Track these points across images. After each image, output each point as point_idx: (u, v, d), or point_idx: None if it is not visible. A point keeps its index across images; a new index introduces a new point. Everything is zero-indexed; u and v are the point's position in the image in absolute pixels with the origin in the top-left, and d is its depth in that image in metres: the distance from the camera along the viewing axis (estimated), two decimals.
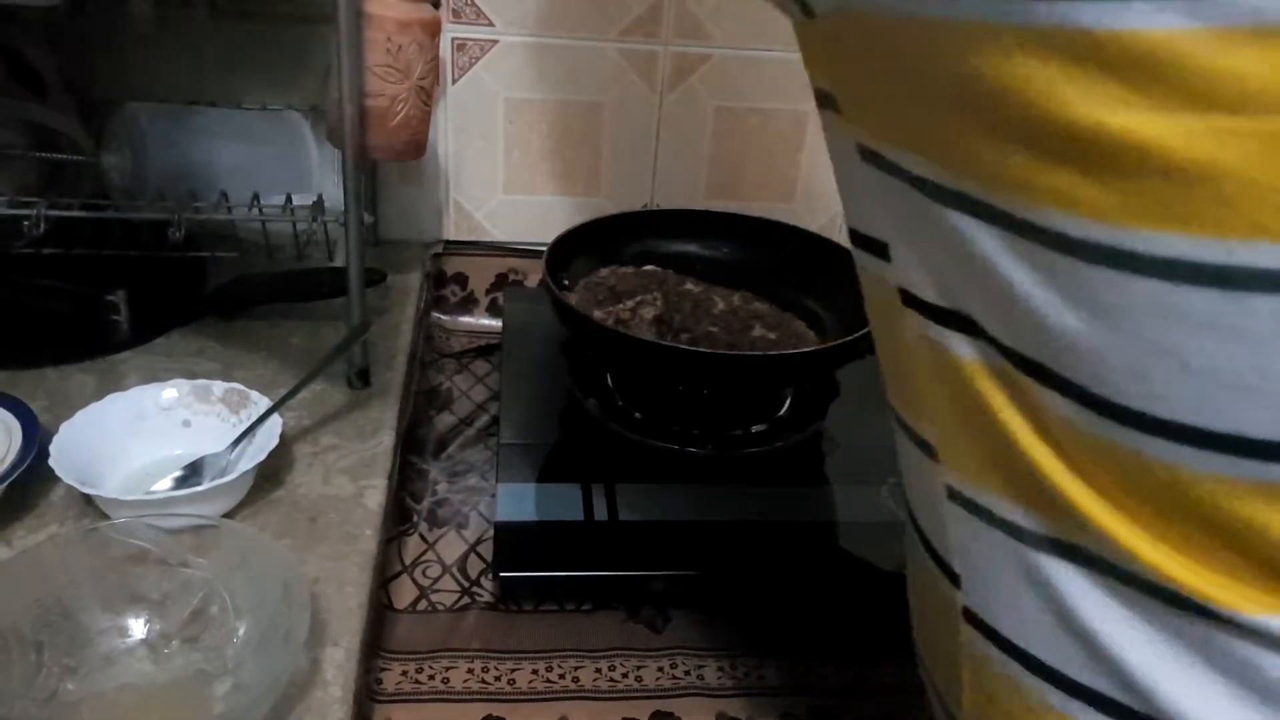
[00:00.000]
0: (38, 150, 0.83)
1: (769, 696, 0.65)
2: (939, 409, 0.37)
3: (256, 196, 0.80)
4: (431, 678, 0.64)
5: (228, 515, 0.65)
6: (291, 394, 0.70)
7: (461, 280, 1.08)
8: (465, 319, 1.08)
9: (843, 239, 1.03)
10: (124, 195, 0.82)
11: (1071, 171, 0.28)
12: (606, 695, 0.64)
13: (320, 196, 0.80)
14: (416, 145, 0.81)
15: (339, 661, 0.56)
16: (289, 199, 0.81)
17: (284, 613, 0.54)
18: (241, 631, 0.55)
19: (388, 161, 1.00)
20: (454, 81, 0.99)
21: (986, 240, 0.31)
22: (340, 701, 0.54)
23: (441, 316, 1.08)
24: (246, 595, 0.56)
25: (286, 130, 0.93)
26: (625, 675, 0.66)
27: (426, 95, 0.79)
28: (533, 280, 1.09)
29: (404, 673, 0.64)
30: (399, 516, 0.77)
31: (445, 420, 0.90)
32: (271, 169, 0.90)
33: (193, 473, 0.66)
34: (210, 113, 0.91)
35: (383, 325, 0.90)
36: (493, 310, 1.09)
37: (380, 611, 0.68)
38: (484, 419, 0.90)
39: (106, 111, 0.88)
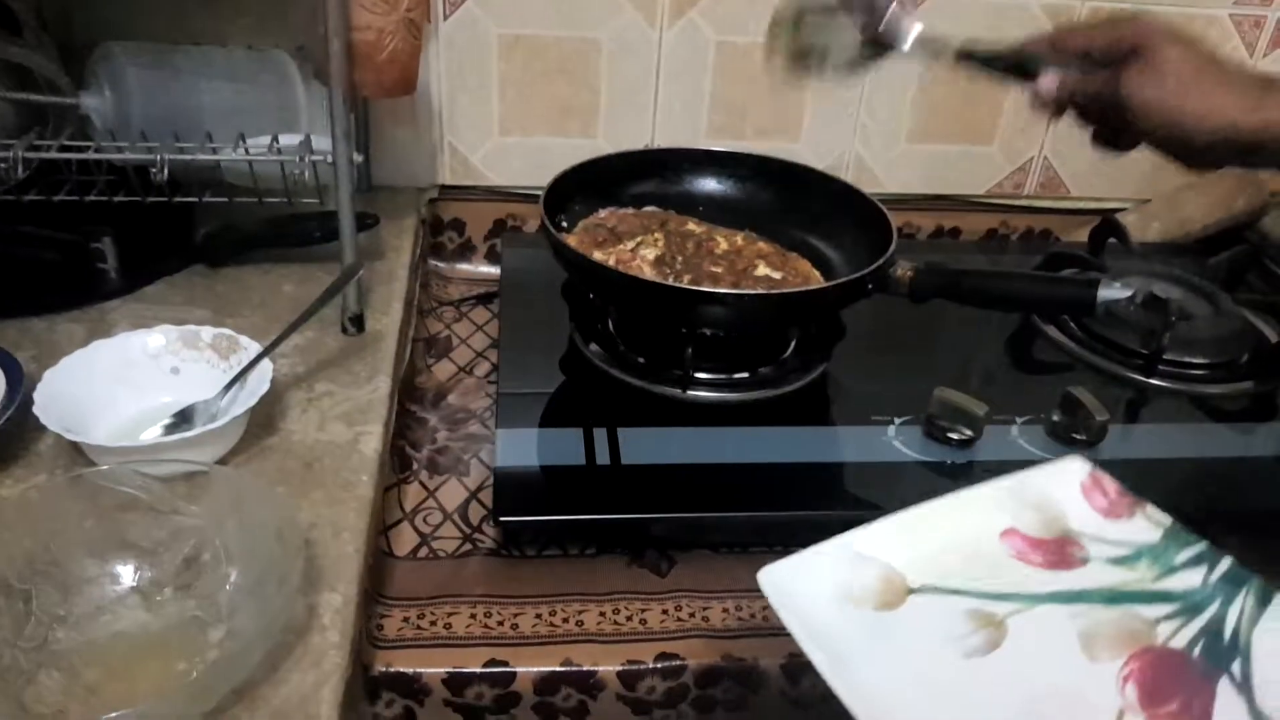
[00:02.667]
0: (15, 92, 0.80)
1: (773, 637, 0.63)
2: None
3: (242, 136, 0.77)
4: (433, 623, 0.63)
5: (221, 463, 0.64)
6: (282, 338, 0.68)
7: (459, 226, 1.06)
8: (463, 266, 1.06)
9: (849, 177, 1.00)
10: (106, 138, 0.79)
11: None
12: (610, 638, 0.63)
13: (308, 136, 0.78)
14: (406, 81, 0.78)
15: (336, 607, 0.55)
16: (275, 139, 0.78)
17: (278, 558, 0.52)
18: (234, 578, 0.54)
19: (378, 101, 0.97)
20: (445, 18, 0.95)
21: None
22: (338, 647, 0.53)
23: (439, 264, 1.06)
24: (239, 541, 0.55)
25: (273, 71, 0.89)
26: (629, 618, 0.64)
27: (415, 29, 0.77)
28: (532, 226, 1.06)
29: (405, 619, 0.63)
30: (399, 465, 0.76)
31: (445, 368, 0.88)
32: (258, 111, 0.87)
33: (183, 420, 0.65)
34: (194, 52, 0.88)
35: (378, 271, 0.88)
36: (491, 257, 1.06)
37: (381, 559, 0.67)
38: (484, 366, 0.88)
39: (86, 52, 0.85)
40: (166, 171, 0.74)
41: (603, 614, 0.65)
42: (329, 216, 0.76)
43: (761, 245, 0.88)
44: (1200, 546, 0.56)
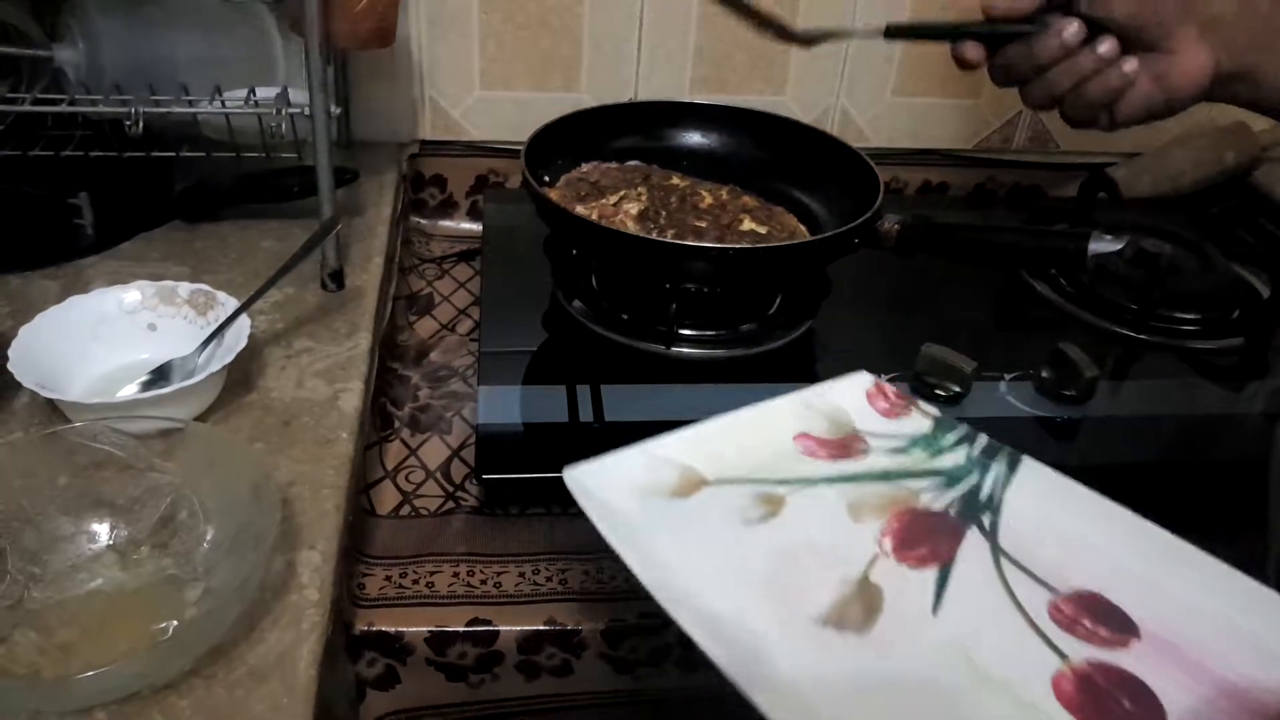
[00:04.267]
0: None
1: None
2: None
3: (218, 89, 0.76)
4: (415, 582, 0.63)
5: (199, 420, 0.63)
6: (260, 293, 0.67)
7: (440, 183, 1.04)
8: (445, 223, 1.05)
9: (835, 131, 0.99)
10: (80, 92, 0.77)
11: None
12: (594, 597, 0.63)
13: (284, 88, 0.76)
14: (383, 33, 0.77)
15: (315, 565, 0.54)
16: (251, 91, 0.77)
17: (255, 516, 0.52)
18: (211, 536, 0.53)
19: (357, 54, 0.95)
20: None
21: None
22: (316, 605, 0.52)
23: (421, 220, 1.04)
24: (216, 499, 0.54)
25: (250, 23, 0.87)
26: (613, 577, 0.64)
27: None
28: (514, 182, 1.05)
29: (387, 578, 0.63)
30: (381, 422, 0.75)
31: (427, 325, 0.87)
32: (235, 64, 0.85)
33: (159, 377, 0.64)
34: (168, 3, 0.86)
35: (358, 227, 0.87)
36: (473, 213, 1.05)
37: (362, 517, 0.67)
38: (467, 324, 0.87)
39: (59, 3, 0.83)
40: (141, 124, 0.73)
41: (586, 572, 0.64)
42: (307, 171, 0.75)
43: (746, 199, 0.86)
44: (963, 430, 0.62)
